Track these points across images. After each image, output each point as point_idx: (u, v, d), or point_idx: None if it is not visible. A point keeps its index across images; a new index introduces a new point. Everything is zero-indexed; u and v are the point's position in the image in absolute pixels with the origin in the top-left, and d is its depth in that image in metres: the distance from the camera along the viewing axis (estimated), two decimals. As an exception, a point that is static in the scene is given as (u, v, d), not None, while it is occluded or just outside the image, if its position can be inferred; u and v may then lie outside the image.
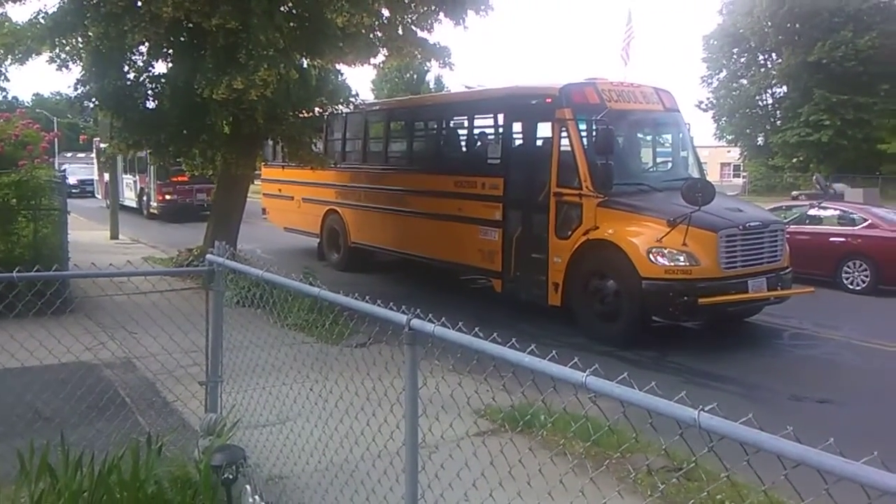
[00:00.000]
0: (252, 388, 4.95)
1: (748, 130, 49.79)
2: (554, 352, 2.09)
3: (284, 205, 15.52)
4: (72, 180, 24.22)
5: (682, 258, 7.99)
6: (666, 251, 8.02)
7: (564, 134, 9.16)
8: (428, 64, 27.84)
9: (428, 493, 2.84)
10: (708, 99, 50.26)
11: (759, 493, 3.16)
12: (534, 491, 2.62)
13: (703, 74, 51.12)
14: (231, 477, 3.65)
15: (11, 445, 4.64)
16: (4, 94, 34.27)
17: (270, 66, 8.72)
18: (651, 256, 8.07)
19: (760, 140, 49.55)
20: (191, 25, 9.47)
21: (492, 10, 10.40)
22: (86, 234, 17.48)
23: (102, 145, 19.09)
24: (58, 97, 77.93)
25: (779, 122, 47.41)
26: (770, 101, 49.29)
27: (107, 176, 23.06)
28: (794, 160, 46.16)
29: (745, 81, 49.36)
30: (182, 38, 9.97)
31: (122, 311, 8.57)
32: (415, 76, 51.16)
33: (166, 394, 6.14)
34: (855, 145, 43.14)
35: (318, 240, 14.61)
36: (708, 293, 7.92)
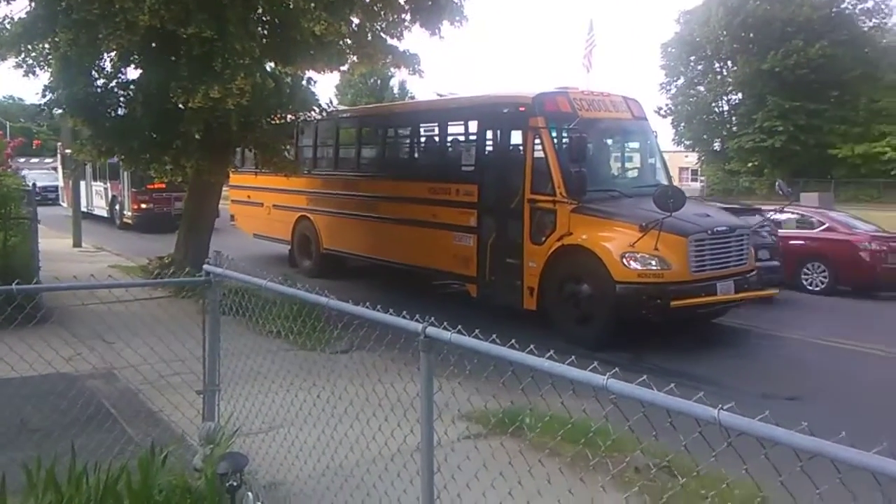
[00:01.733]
0: (239, 395, 4.99)
1: (705, 136, 51.09)
2: (573, 357, 2.23)
3: (254, 211, 15.45)
4: (32, 187, 23.45)
5: (654, 262, 8.24)
6: (639, 255, 8.27)
7: (538, 142, 9.36)
8: (393, 70, 27.90)
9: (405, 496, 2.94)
10: (666, 105, 51.52)
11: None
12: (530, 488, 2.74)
13: (661, 81, 52.44)
14: (236, 484, 3.70)
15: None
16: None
17: (247, 75, 8.74)
18: (624, 261, 8.30)
19: (717, 145, 50.88)
20: (163, 32, 9.41)
21: (466, 20, 10.56)
22: (48, 242, 17.07)
23: (67, 151, 18.67)
24: (9, 101, 75.97)
25: (734, 128, 48.74)
26: (726, 107, 50.67)
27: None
28: (750, 164, 47.49)
29: (702, 88, 50.64)
30: (153, 45, 9.89)
31: (98, 321, 8.48)
32: (378, 82, 51.21)
33: (150, 404, 6.12)
34: (807, 150, 44.60)
35: (288, 246, 14.58)
36: (679, 296, 8.18)
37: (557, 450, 4.58)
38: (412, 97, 47.56)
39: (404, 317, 2.84)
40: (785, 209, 11.31)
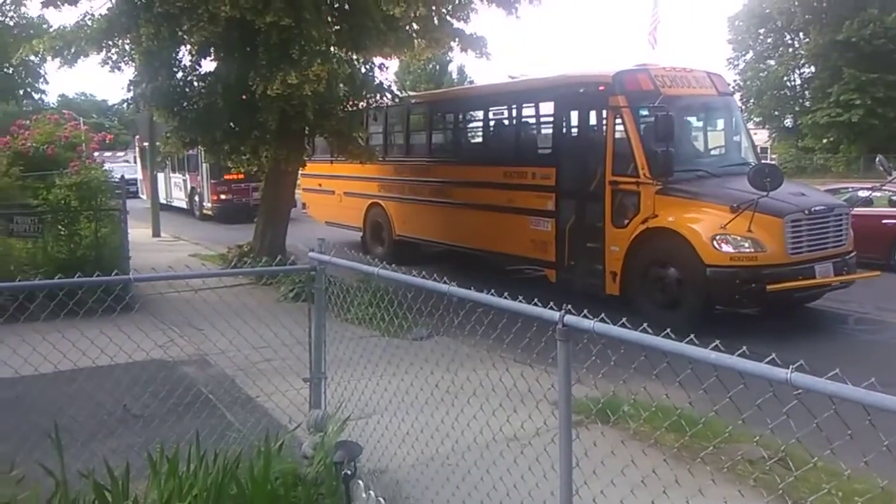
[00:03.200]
0: (333, 382, 4.96)
1: (776, 112, 49.14)
2: (745, 347, 2.07)
3: (325, 199, 15.58)
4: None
5: (747, 244, 7.91)
6: (730, 238, 7.94)
7: (619, 122, 9.08)
8: (452, 54, 27.52)
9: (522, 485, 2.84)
10: (735, 81, 49.53)
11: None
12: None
13: (729, 56, 50.57)
14: (350, 473, 3.69)
15: (106, 446, 4.74)
16: (43, 95, 34.57)
17: (323, 62, 8.76)
18: (715, 243, 7.99)
19: (789, 121, 48.90)
20: (242, 22, 9.50)
21: (546, -4, 10.32)
22: (130, 232, 17.71)
23: (145, 144, 19.13)
24: (82, 98, 79.05)
25: (808, 103, 46.69)
26: (798, 81, 48.60)
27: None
28: (825, 141, 45.47)
29: (772, 62, 48.69)
30: (232, 36, 10.01)
31: (179, 309, 8.68)
32: (436, 67, 50.95)
33: (248, 390, 6.21)
34: (886, 124, 42.36)
35: (360, 233, 14.66)
36: (775, 279, 7.83)
37: (661, 441, 4.44)
38: (471, 82, 47.25)
39: (536, 304, 2.73)
40: (884, 186, 10.71)
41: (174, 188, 24.90)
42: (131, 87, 10.14)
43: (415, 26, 11.48)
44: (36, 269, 8.39)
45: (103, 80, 47.42)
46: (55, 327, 4.19)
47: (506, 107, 11.63)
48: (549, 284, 10.02)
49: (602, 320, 2.46)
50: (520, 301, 2.82)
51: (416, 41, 11.75)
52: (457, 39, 11.71)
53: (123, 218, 9.35)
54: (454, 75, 52.63)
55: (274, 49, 8.88)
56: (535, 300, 2.78)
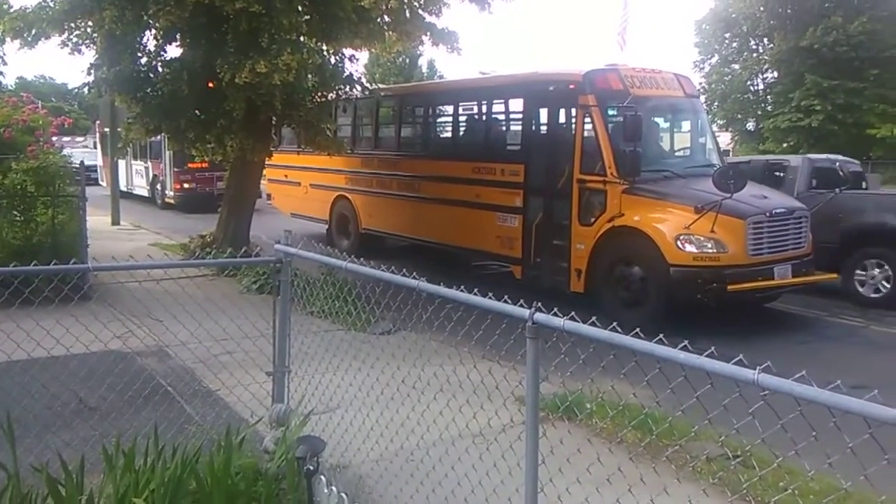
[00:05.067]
0: (294, 376, 4.89)
1: (739, 115, 49.99)
2: (713, 348, 2.09)
3: (291, 190, 15.40)
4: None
5: (710, 245, 8.03)
6: (694, 238, 8.06)
7: (588, 120, 9.14)
8: (422, 48, 27.36)
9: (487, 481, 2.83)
10: (700, 84, 50.24)
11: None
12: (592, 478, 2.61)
13: (695, 59, 51.25)
14: (312, 468, 3.64)
15: (60, 438, 4.61)
16: (0, 77, 33.53)
17: (294, 51, 8.63)
18: (679, 243, 8.10)
19: (751, 125, 49.82)
20: (210, 8, 9.31)
21: (518, -7, 10.33)
22: (88, 219, 17.26)
23: (106, 130, 18.67)
24: (41, 80, 76.83)
25: (770, 108, 47.59)
26: (761, 86, 49.49)
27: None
28: (785, 145, 46.41)
29: (736, 66, 49.51)
30: (199, 22, 9.80)
31: (142, 299, 8.49)
32: (406, 60, 50.69)
33: (208, 382, 6.09)
34: (845, 130, 43.40)
35: (325, 226, 14.54)
36: (736, 280, 7.98)
37: (627, 439, 4.48)
38: (441, 76, 47.15)
39: (506, 301, 2.72)
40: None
41: (135, 175, 24.29)
42: (92, 71, 9.87)
43: (386, 18, 11.38)
44: (-11, 256, 8.13)
45: (63, 63, 46.30)
46: (9, 316, 4.06)
47: (476, 102, 11.62)
48: (515, 281, 10.05)
49: (572, 318, 2.46)
50: (489, 298, 2.80)
51: (387, 34, 11.65)
52: (428, 33, 11.65)
53: (82, 205, 9.11)
54: (424, 69, 52.45)
55: (243, 36, 8.72)
56: (506, 297, 2.77)
